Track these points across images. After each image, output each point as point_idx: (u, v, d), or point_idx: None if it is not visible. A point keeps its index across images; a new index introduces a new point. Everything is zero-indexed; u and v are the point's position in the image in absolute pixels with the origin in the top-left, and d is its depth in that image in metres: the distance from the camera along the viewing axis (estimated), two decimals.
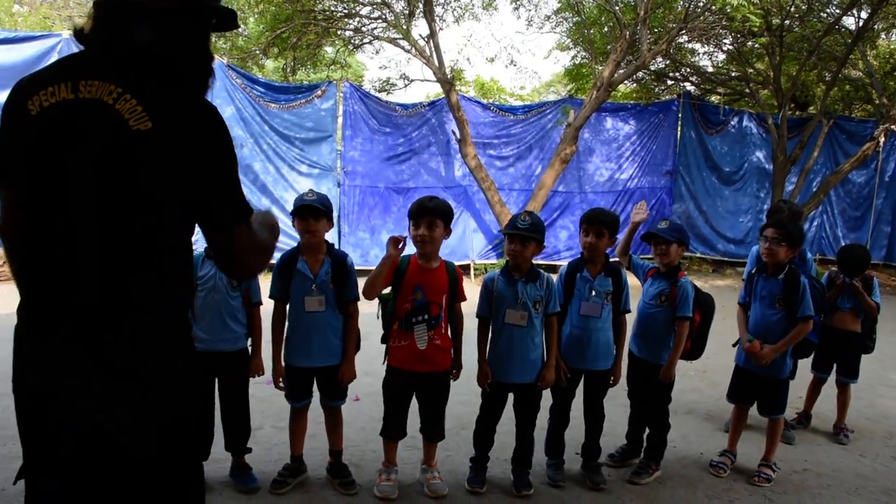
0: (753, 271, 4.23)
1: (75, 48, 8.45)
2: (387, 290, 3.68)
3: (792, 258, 4.06)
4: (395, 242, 3.41)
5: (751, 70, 14.20)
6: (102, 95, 1.55)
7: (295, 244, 3.66)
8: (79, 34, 1.66)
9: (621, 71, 11.77)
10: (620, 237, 4.13)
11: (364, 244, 11.29)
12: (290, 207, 11.63)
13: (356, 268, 3.70)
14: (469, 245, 11.90)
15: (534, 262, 3.76)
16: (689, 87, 14.95)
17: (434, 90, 16.72)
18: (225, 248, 1.71)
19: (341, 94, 11.28)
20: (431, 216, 3.50)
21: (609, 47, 12.88)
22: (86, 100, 1.56)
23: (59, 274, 1.60)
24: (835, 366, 4.99)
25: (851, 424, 5.03)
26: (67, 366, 1.60)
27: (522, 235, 3.59)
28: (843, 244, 9.65)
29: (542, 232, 3.68)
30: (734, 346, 4.37)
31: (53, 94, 1.58)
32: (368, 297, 3.51)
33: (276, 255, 3.65)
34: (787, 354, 4.03)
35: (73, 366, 1.59)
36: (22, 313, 1.69)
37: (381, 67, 39.84)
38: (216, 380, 3.54)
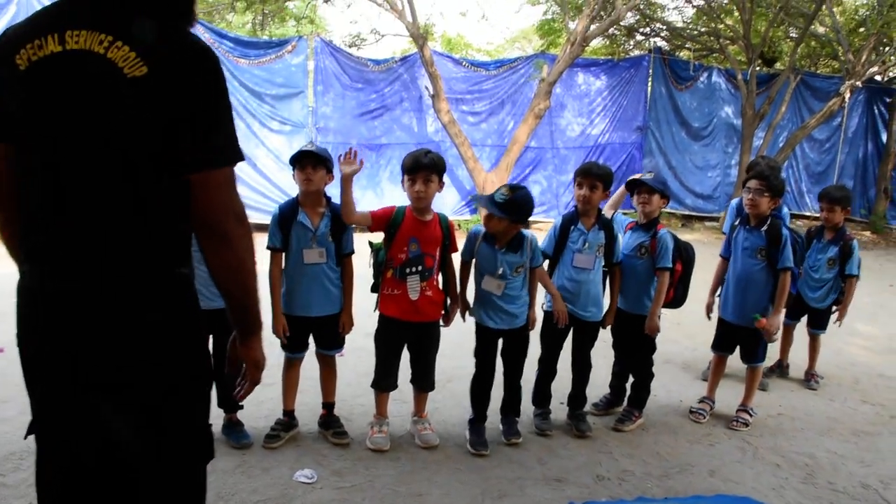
0: (736, 223, 4.32)
1: None
2: (378, 239, 3.71)
3: (773, 209, 4.15)
4: (347, 161, 3.40)
5: (721, 25, 14.25)
6: (92, 45, 1.50)
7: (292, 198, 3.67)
8: None
9: (595, 26, 11.73)
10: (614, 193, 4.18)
11: (335, 200, 11.22)
12: (261, 165, 11.46)
13: None
14: (443, 201, 11.88)
15: None
16: (659, 42, 14.97)
17: (402, 46, 16.50)
18: (204, 191, 1.57)
19: (312, 50, 11.10)
20: (428, 171, 3.50)
21: (581, 1, 12.81)
22: (75, 51, 1.51)
23: (53, 233, 1.58)
24: (806, 317, 5.15)
25: (822, 371, 5.21)
26: (56, 324, 1.59)
27: (494, 213, 3.56)
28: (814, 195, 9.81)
29: (520, 212, 3.56)
30: (718, 296, 4.49)
31: (41, 46, 1.53)
32: (346, 220, 3.52)
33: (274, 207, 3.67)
34: (769, 304, 4.15)
35: (61, 325, 1.58)
36: (21, 275, 1.68)
37: (351, 22, 39.02)
38: (210, 337, 3.54)
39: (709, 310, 4.54)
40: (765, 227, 4.10)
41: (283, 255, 3.58)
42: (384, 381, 3.74)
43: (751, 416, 4.26)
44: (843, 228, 5.00)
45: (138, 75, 1.49)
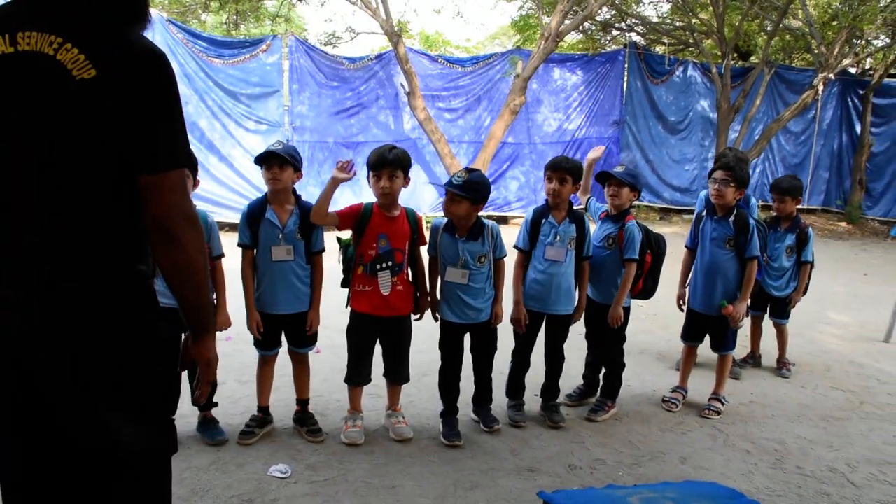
0: (702, 213, 4.37)
1: None
2: (346, 236, 3.72)
3: (738, 200, 4.22)
4: (342, 168, 3.45)
5: (695, 20, 14.36)
6: (42, 47, 1.51)
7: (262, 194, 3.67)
8: None
9: (568, 21, 11.78)
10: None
11: (314, 199, 11.20)
12: (237, 165, 11.43)
13: None
14: (420, 198, 11.91)
15: (484, 213, 3.78)
16: (634, 37, 15.06)
17: (379, 43, 16.52)
18: (158, 193, 1.59)
19: (286, 49, 11.07)
20: (392, 167, 3.52)
21: None
22: (25, 52, 1.52)
23: (49, 234, 1.57)
24: (769, 308, 5.19)
25: (793, 359, 5.29)
26: (55, 324, 1.58)
27: (453, 193, 3.59)
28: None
29: (478, 190, 3.60)
30: (687, 286, 4.54)
31: None
32: (315, 220, 3.54)
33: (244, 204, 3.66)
34: (737, 292, 4.20)
35: (61, 325, 1.58)
36: None
37: (326, 20, 38.97)
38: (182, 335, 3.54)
39: (680, 301, 4.59)
40: (732, 217, 4.17)
41: (254, 251, 3.60)
42: (357, 376, 3.75)
43: (723, 403, 4.32)
44: (798, 217, 5.08)
45: (87, 77, 1.50)
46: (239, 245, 3.60)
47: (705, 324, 4.34)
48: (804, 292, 5.13)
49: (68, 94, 1.50)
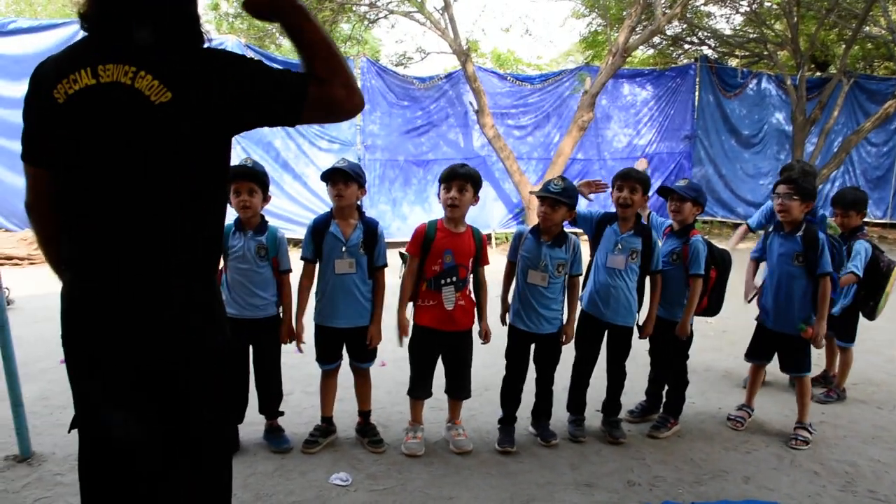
0: (770, 230, 4.26)
1: None
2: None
3: (806, 213, 4.09)
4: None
5: (769, 31, 14.04)
6: (119, 77, 1.66)
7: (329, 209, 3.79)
8: (82, 19, 1.77)
9: (636, 36, 11.71)
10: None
11: (385, 216, 11.43)
12: (311, 183, 11.77)
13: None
14: (489, 215, 11.99)
15: None
16: (706, 51, 14.82)
17: (451, 62, 16.72)
18: (319, 107, 1.74)
19: (359, 70, 11.36)
20: (463, 180, 3.63)
21: (624, 13, 12.82)
22: (107, 83, 1.68)
23: (108, 246, 1.74)
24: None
25: (870, 379, 5.09)
26: (109, 327, 1.75)
27: (553, 199, 3.71)
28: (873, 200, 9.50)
29: (574, 197, 3.80)
30: (749, 301, 4.43)
31: (76, 80, 1.70)
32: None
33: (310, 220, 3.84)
34: (811, 311, 4.03)
35: (114, 328, 1.75)
36: (65, 284, 1.84)
37: (397, 42, 39.70)
38: (250, 347, 3.71)
39: (748, 297, 4.38)
40: (800, 233, 4.02)
41: (316, 267, 3.72)
42: (419, 389, 3.84)
43: (810, 432, 4.09)
44: (859, 228, 4.71)
45: (165, 101, 1.66)
46: (302, 258, 3.73)
47: (776, 342, 4.17)
48: (868, 312, 4.70)
49: (150, 118, 1.66)
